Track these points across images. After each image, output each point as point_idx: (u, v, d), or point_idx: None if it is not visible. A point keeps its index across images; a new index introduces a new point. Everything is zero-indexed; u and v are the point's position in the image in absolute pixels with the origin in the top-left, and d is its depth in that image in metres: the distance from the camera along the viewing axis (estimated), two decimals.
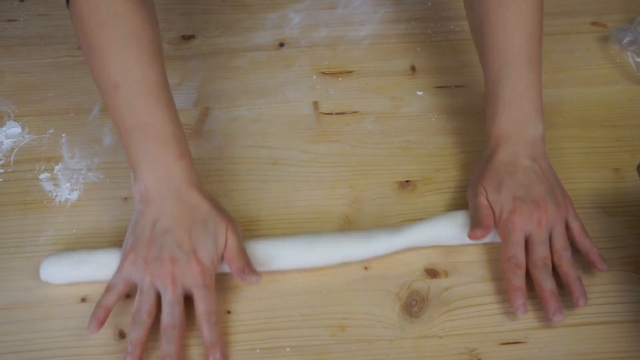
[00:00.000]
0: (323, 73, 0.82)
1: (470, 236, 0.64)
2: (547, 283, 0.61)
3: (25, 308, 0.63)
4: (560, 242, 0.63)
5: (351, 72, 0.82)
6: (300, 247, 0.64)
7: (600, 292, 0.64)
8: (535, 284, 0.62)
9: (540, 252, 0.62)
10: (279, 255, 0.64)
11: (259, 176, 0.72)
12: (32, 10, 0.87)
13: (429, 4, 0.89)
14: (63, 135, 0.75)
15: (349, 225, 0.68)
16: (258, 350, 0.60)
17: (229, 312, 0.63)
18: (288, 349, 0.60)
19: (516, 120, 0.67)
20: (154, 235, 0.61)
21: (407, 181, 0.72)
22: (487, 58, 0.69)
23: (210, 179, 0.71)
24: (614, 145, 0.75)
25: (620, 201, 0.70)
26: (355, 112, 0.78)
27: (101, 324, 0.59)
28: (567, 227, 0.65)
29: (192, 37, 0.85)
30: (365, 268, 0.65)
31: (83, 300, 0.63)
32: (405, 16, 0.88)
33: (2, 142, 0.74)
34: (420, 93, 0.79)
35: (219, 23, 0.87)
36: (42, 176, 0.72)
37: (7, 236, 0.67)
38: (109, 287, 0.61)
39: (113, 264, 0.62)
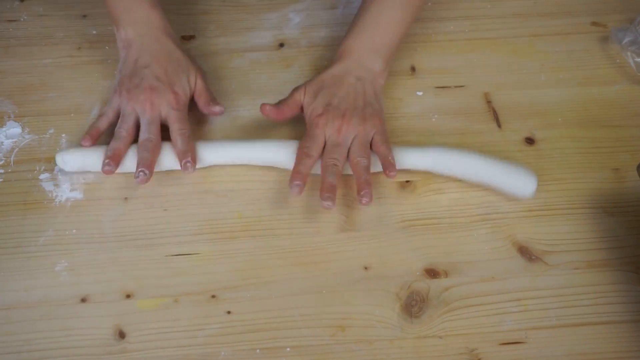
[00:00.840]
0: None
1: (261, 108, 0.71)
2: (330, 178, 0.66)
3: (25, 308, 0.63)
4: (355, 150, 0.68)
5: None
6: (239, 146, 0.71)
7: (600, 292, 0.64)
8: (321, 179, 0.67)
9: (332, 153, 0.68)
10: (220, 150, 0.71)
11: (258, 177, 0.72)
12: (32, 10, 0.87)
13: (429, 4, 0.88)
14: (63, 135, 0.75)
15: (349, 225, 0.68)
16: (258, 351, 0.60)
17: (229, 312, 0.63)
18: (288, 349, 0.61)
19: (362, 44, 0.74)
20: (135, 69, 0.72)
21: (407, 181, 0.71)
22: None
23: (210, 179, 0.71)
24: (614, 145, 0.75)
25: (620, 201, 0.70)
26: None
27: (93, 139, 0.70)
28: (372, 141, 0.70)
29: (192, 37, 0.85)
30: (365, 268, 0.65)
31: (83, 300, 0.63)
32: None
33: (2, 142, 0.74)
34: (420, 93, 0.79)
35: (219, 23, 0.87)
36: (42, 176, 0.72)
37: (7, 236, 0.67)
38: (100, 115, 0.72)
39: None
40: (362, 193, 0.65)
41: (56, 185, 0.71)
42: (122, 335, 0.61)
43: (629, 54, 0.81)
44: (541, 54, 0.83)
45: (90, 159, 0.70)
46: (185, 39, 0.85)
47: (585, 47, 0.84)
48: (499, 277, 0.65)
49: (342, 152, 0.68)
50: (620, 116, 0.77)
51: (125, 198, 0.70)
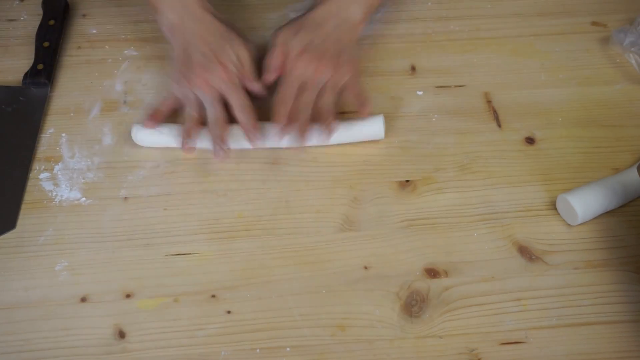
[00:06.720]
0: None
1: (263, 79, 0.73)
2: (301, 116, 0.70)
3: (25, 308, 0.63)
4: (326, 96, 0.71)
5: None
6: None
7: (600, 292, 0.64)
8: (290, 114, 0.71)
9: (307, 97, 0.71)
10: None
11: (259, 176, 0.72)
12: (32, 10, 0.87)
13: (429, 4, 0.88)
14: (63, 135, 0.75)
15: (349, 225, 0.68)
16: (258, 350, 0.60)
17: (229, 312, 0.63)
18: (288, 349, 0.61)
19: None
20: (186, 56, 0.72)
21: (407, 181, 0.72)
22: None
23: (210, 178, 0.71)
24: (614, 145, 0.75)
25: None
26: (356, 112, 0.77)
27: (155, 122, 0.72)
28: (347, 87, 0.73)
29: None
30: (365, 268, 0.65)
31: (83, 300, 0.63)
32: (405, 16, 0.88)
33: None
34: (420, 93, 0.79)
35: None
36: (42, 176, 0.72)
37: (7, 236, 0.67)
38: (162, 102, 0.74)
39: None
40: (329, 125, 0.71)
41: (56, 185, 0.71)
42: (122, 335, 0.61)
43: (631, 55, 0.81)
44: (541, 54, 0.83)
45: (166, 135, 0.73)
46: None
47: (585, 47, 0.84)
48: (499, 277, 0.65)
49: (316, 94, 0.71)
50: (620, 116, 0.77)
51: (125, 198, 0.70)
